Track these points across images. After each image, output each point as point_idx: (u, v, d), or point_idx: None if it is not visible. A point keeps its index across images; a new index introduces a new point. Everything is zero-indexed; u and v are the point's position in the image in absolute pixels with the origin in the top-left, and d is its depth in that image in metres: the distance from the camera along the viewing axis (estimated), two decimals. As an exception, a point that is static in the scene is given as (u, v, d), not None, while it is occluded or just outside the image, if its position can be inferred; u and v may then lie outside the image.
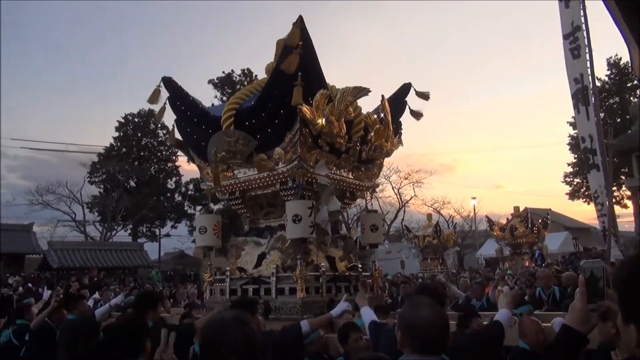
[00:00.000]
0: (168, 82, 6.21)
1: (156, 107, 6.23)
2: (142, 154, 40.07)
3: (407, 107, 6.54)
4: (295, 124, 5.32)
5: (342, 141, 5.52)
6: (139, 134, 40.53)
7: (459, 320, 4.08)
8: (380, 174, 6.40)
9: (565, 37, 6.05)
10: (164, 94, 6.19)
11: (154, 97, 6.06)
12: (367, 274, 6.00)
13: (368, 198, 6.51)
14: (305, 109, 5.11)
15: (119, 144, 39.93)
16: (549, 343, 1.69)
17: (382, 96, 5.97)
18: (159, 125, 39.88)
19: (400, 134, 6.52)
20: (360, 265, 5.91)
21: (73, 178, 36.13)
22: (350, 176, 6.05)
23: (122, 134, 40.16)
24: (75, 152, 42.63)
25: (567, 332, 1.66)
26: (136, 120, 40.40)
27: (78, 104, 60.63)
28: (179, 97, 6.17)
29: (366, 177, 6.22)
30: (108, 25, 63.54)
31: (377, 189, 6.70)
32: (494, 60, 69.57)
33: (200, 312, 6.72)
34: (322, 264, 5.51)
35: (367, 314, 4.09)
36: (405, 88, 6.57)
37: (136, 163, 38.78)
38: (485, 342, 3.55)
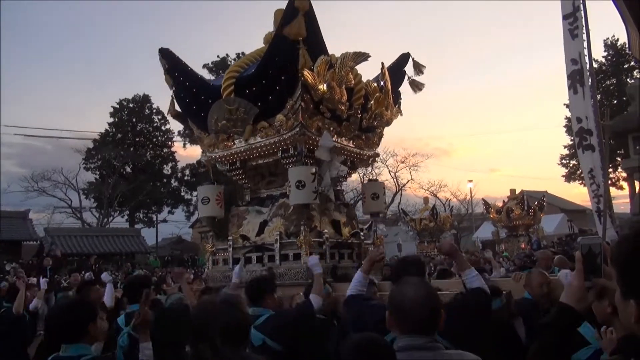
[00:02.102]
0: (166, 53, 6.17)
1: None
2: (137, 139, 39.84)
3: (406, 76, 6.52)
4: (296, 90, 5.30)
5: (343, 108, 5.52)
6: (134, 120, 40.28)
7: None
8: (380, 142, 6.38)
9: (565, 17, 6.02)
10: (163, 65, 6.16)
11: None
12: (369, 241, 6.04)
13: (368, 167, 6.52)
14: (307, 73, 5.09)
15: (114, 129, 39.68)
16: (543, 319, 1.68)
17: (382, 64, 5.96)
18: (154, 111, 39.67)
19: (400, 103, 6.52)
20: (362, 232, 5.95)
21: (68, 165, 35.99)
22: (351, 144, 6.05)
23: (117, 119, 39.88)
24: (69, 138, 42.53)
25: (563, 310, 1.64)
26: (131, 105, 40.10)
27: (72, 90, 60.23)
28: (176, 68, 6.13)
29: (367, 145, 6.22)
30: (101, 10, 62.85)
31: (377, 158, 6.70)
32: (490, 42, 69.38)
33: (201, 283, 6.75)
34: (325, 230, 5.54)
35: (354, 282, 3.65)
36: (404, 58, 6.55)
37: (132, 149, 38.58)
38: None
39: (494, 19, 70.15)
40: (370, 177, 6.76)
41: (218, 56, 37.84)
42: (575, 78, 6.33)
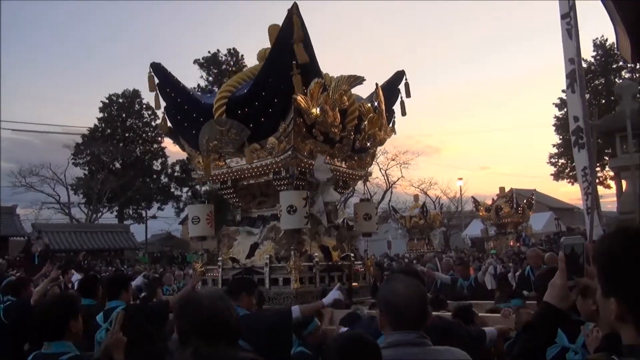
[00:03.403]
0: (157, 68, 6.06)
1: (145, 91, 6.11)
2: (127, 135, 39.56)
3: (400, 95, 6.49)
4: (289, 113, 5.24)
5: (336, 130, 5.47)
6: (124, 115, 39.94)
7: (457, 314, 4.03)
8: (373, 161, 6.37)
9: (562, 16, 6.02)
10: (155, 80, 6.06)
11: (151, 85, 5.95)
12: (360, 262, 6.02)
13: (361, 187, 6.50)
14: (300, 98, 5.03)
15: (103, 125, 39.34)
16: (528, 320, 1.72)
17: (377, 84, 5.91)
18: (144, 106, 39.34)
19: (394, 122, 6.48)
20: (352, 255, 5.92)
21: (56, 160, 35.72)
22: (344, 165, 6.01)
23: (106, 114, 39.53)
24: (58, 133, 41.90)
25: (546, 309, 1.66)
26: (120, 100, 39.76)
27: (60, 84, 59.44)
28: (168, 84, 6.03)
29: (359, 165, 6.19)
30: (90, 4, 61.95)
31: (370, 177, 6.69)
32: (482, 41, 69.50)
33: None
34: (316, 254, 5.51)
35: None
36: (399, 76, 6.51)
37: (121, 144, 38.30)
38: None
39: (485, 18, 70.26)
40: (362, 197, 6.69)
41: (209, 52, 37.58)
42: (573, 77, 6.35)
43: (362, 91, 6.13)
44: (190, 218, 6.04)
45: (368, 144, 5.95)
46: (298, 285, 5.19)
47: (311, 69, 5.26)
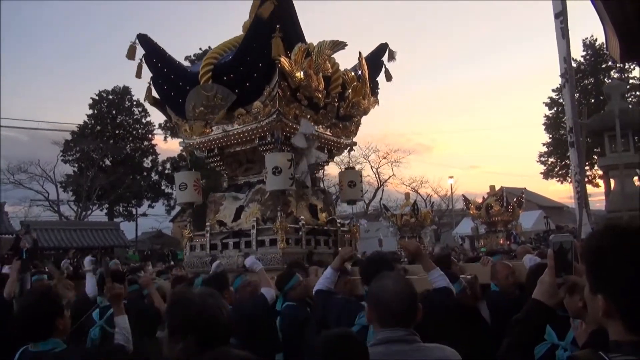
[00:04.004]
0: (144, 39, 6.12)
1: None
2: (117, 132, 39.25)
3: (383, 67, 6.59)
4: (273, 77, 5.34)
5: (320, 96, 5.57)
6: (114, 112, 39.67)
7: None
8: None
9: (556, 15, 6.16)
10: (141, 51, 6.11)
11: (130, 53, 5.98)
12: (345, 228, 6.11)
13: (345, 156, 6.58)
14: (284, 60, 5.13)
15: (93, 121, 39.03)
16: (516, 316, 1.74)
17: (360, 53, 6.03)
18: (134, 103, 39.12)
19: (377, 93, 6.58)
20: (338, 220, 6.01)
21: (45, 157, 35.33)
22: (328, 132, 6.11)
23: (96, 111, 39.23)
24: (47, 129, 41.74)
25: (535, 305, 1.68)
26: (111, 97, 39.47)
27: (49, 81, 59.11)
28: (155, 55, 6.10)
29: (344, 134, 6.29)
30: (81, 1, 61.75)
31: (354, 147, 6.77)
32: (474, 40, 70.02)
33: (181, 270, 6.75)
34: (302, 217, 5.59)
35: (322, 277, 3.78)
36: (382, 48, 6.62)
37: (111, 141, 37.98)
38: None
39: (478, 17, 70.81)
40: (347, 166, 6.78)
41: (200, 48, 37.40)
42: (566, 77, 6.49)
43: (346, 63, 6.25)
44: (178, 185, 6.10)
45: (352, 112, 6.04)
46: (284, 246, 5.27)
47: (294, 35, 5.36)
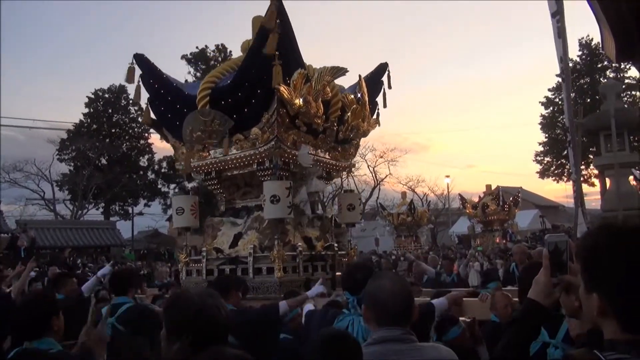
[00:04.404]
0: (140, 59, 6.05)
1: (131, 87, 6.06)
2: (113, 130, 39.11)
3: (383, 87, 6.54)
4: (272, 103, 5.28)
5: (319, 121, 5.52)
6: (110, 110, 39.51)
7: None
8: (357, 153, 6.42)
9: (552, 15, 6.11)
10: (138, 71, 6.04)
11: (130, 76, 5.91)
12: (343, 252, 6.08)
13: (344, 178, 6.54)
14: (283, 89, 5.07)
15: (89, 120, 38.87)
16: (512, 315, 1.74)
17: (360, 76, 5.97)
18: (131, 102, 38.94)
19: (378, 114, 6.53)
20: (336, 245, 5.97)
21: (41, 155, 35.20)
22: (327, 156, 6.06)
23: (92, 110, 39.06)
24: (42, 128, 41.38)
25: (530, 305, 1.68)
26: (107, 96, 39.30)
27: (45, 79, 58.73)
28: (152, 75, 6.03)
29: (343, 157, 6.25)
30: (78, 0, 61.23)
31: (354, 169, 6.73)
32: (470, 39, 69.94)
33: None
34: (299, 244, 5.56)
35: (308, 306, 4.10)
36: (382, 68, 6.57)
37: (107, 140, 37.82)
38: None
39: (473, 17, 70.72)
40: (346, 189, 6.74)
41: (197, 47, 37.34)
42: (562, 76, 6.46)
43: (345, 83, 6.19)
44: (175, 209, 6.05)
45: (351, 135, 6.00)
46: (281, 274, 5.24)
47: (294, 60, 5.30)
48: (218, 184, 6.09)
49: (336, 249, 5.93)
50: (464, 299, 4.41)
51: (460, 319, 3.84)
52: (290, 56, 5.24)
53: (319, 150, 5.90)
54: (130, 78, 5.82)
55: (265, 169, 5.51)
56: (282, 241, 5.34)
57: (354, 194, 6.47)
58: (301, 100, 5.19)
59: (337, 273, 5.83)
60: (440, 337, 3.60)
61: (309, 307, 4.00)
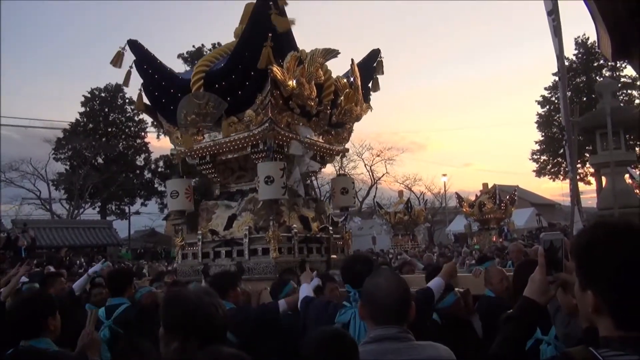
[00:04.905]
0: (134, 45, 6.07)
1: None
2: (109, 129, 39.09)
3: (375, 73, 6.57)
4: (266, 85, 5.31)
5: (312, 104, 5.55)
6: (106, 109, 39.47)
7: None
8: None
9: (548, 13, 6.17)
10: (131, 57, 6.07)
11: (116, 60, 5.92)
12: (338, 235, 6.11)
13: (338, 162, 6.58)
14: (276, 69, 5.11)
15: (85, 119, 38.83)
16: (508, 313, 1.75)
17: (352, 60, 6.00)
18: (127, 101, 38.94)
19: (370, 99, 6.57)
20: (330, 227, 6.00)
21: (37, 155, 35.13)
22: (321, 140, 6.10)
23: (88, 109, 39.03)
24: (38, 127, 41.41)
25: (526, 303, 1.70)
26: (103, 95, 39.26)
27: (41, 78, 58.61)
28: (145, 61, 6.05)
29: (336, 141, 6.28)
30: (74, 0, 61.18)
31: (347, 154, 6.77)
32: (467, 38, 70.14)
33: (172, 277, 6.73)
34: (294, 225, 5.59)
35: (303, 291, 4.01)
36: (375, 54, 6.60)
37: (104, 139, 37.81)
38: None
39: (470, 16, 70.93)
40: (339, 172, 6.78)
41: (193, 46, 37.39)
42: (558, 74, 6.50)
43: (339, 69, 6.23)
44: (169, 192, 6.06)
45: (344, 119, 6.03)
46: (277, 255, 5.27)
47: (287, 43, 5.33)
48: (213, 168, 6.11)
49: (331, 232, 5.96)
50: (458, 274, 4.45)
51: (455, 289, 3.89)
52: (282, 39, 5.27)
53: (313, 133, 5.94)
54: (116, 61, 5.82)
55: (260, 151, 5.54)
56: (277, 222, 5.37)
57: (347, 178, 6.52)
58: (294, 81, 5.22)
59: (333, 256, 5.87)
60: (437, 304, 3.65)
61: (305, 291, 3.96)
